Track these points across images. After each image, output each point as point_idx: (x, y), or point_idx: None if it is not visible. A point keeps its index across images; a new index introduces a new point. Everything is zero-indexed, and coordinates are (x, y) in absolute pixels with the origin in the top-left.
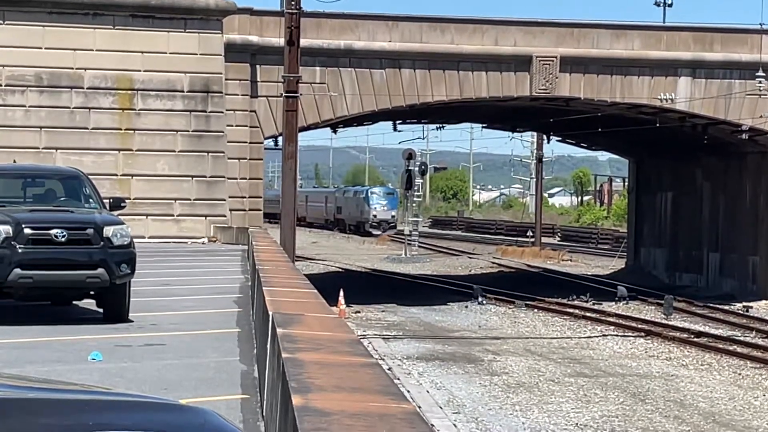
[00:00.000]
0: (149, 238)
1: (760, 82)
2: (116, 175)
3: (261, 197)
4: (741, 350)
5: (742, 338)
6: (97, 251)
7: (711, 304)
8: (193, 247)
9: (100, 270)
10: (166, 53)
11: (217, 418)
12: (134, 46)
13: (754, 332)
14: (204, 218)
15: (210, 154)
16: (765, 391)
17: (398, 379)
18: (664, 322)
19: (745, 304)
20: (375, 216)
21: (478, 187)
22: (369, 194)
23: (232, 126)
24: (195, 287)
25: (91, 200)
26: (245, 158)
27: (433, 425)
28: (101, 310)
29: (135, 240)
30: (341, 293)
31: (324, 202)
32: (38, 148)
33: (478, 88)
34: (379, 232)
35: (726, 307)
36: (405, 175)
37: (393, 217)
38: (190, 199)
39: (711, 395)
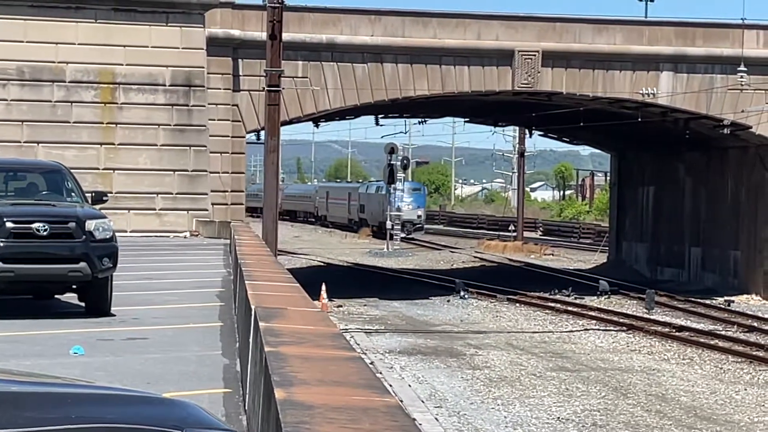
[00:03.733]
0: (131, 232)
1: (741, 77)
2: (98, 168)
3: (243, 191)
4: (722, 344)
5: (723, 332)
6: (79, 245)
7: (692, 299)
8: (175, 241)
9: (82, 264)
10: (148, 47)
11: (199, 411)
12: (116, 40)
13: (736, 326)
14: (186, 212)
15: (192, 148)
16: (746, 386)
17: (380, 373)
18: (645, 316)
19: (726, 298)
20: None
21: (460, 181)
22: (392, 190)
23: (214, 120)
24: (177, 281)
25: (73, 194)
26: (227, 152)
27: (415, 419)
28: (83, 304)
29: (117, 234)
30: (323, 287)
31: (347, 199)
32: (20, 142)
33: (460, 82)
34: (402, 235)
35: (707, 302)
36: (387, 169)
37: (419, 216)
38: (172, 193)
39: (692, 389)
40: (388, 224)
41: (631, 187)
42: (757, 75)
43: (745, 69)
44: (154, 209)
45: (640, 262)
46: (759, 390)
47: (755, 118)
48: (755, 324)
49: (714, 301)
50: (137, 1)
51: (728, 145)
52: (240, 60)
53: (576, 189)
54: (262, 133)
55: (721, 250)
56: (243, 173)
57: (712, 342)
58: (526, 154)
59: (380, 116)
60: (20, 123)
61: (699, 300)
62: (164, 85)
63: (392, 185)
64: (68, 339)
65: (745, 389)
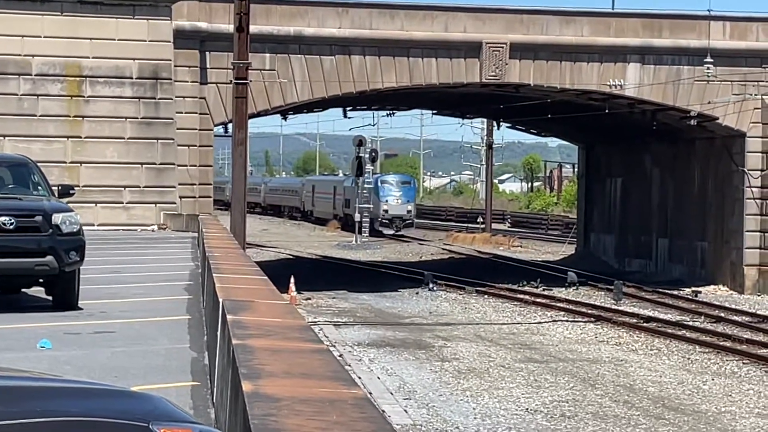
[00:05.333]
0: (98, 225)
1: (708, 68)
2: (65, 162)
3: (211, 184)
4: (690, 335)
5: (690, 323)
6: (46, 239)
7: (660, 290)
8: (143, 235)
9: (49, 257)
10: (114, 40)
11: (166, 405)
12: (83, 33)
13: (703, 317)
14: (154, 205)
15: (159, 141)
16: (713, 376)
17: (349, 365)
18: (613, 307)
19: (693, 289)
20: (386, 211)
21: (429, 173)
22: (379, 183)
23: (181, 113)
24: (145, 275)
25: (39, 187)
26: (195, 145)
27: (384, 411)
28: (50, 298)
29: (84, 228)
30: (292, 280)
31: (332, 193)
32: None
33: (428, 74)
34: (390, 232)
35: (675, 293)
36: (355, 162)
37: (409, 212)
38: (139, 187)
39: (660, 380)
40: (357, 217)
41: (599, 179)
42: (723, 66)
43: (712, 60)
44: (122, 203)
45: (608, 254)
46: (726, 380)
47: (722, 110)
48: (722, 314)
49: (681, 292)
50: None
51: (695, 136)
52: (207, 52)
53: (544, 181)
54: (230, 125)
55: (688, 241)
56: (211, 166)
57: (679, 332)
58: (494, 146)
59: (348, 108)
60: None
61: (666, 291)
62: (131, 78)
63: (360, 177)
64: (35, 333)
65: (713, 379)
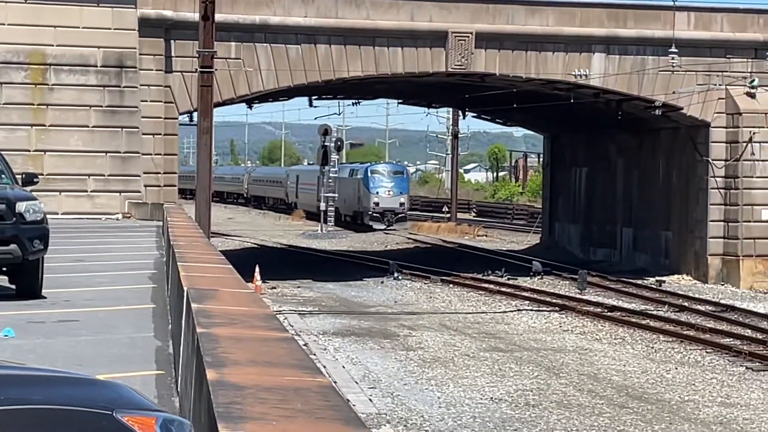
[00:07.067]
0: (63, 214)
1: (672, 59)
2: (29, 150)
3: (176, 173)
4: (654, 324)
5: (654, 312)
6: (10, 227)
7: (624, 279)
8: (108, 224)
9: (13, 246)
10: (79, 28)
11: (130, 393)
12: (47, 20)
13: (667, 306)
14: (118, 194)
15: (124, 129)
16: (677, 365)
17: (314, 354)
18: (578, 296)
19: (657, 278)
20: (377, 204)
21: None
22: (368, 174)
23: (146, 101)
24: (109, 263)
25: (3, 176)
26: (160, 134)
27: (348, 400)
28: (14, 287)
29: (48, 216)
30: (257, 269)
31: (317, 184)
32: None
33: (393, 63)
34: (381, 227)
35: (639, 282)
36: (321, 151)
37: (402, 204)
38: (104, 175)
39: (624, 369)
40: (322, 206)
41: (564, 169)
42: (687, 56)
43: (676, 50)
44: (86, 191)
45: (573, 243)
46: (689, 369)
47: (686, 100)
48: (686, 304)
49: (645, 282)
50: None
51: (660, 126)
52: (172, 41)
53: (509, 170)
54: (195, 114)
55: (652, 231)
56: (176, 155)
57: (643, 322)
58: (459, 135)
59: (314, 98)
60: None
61: (631, 280)
62: (96, 66)
63: (326, 166)
64: None
65: (676, 368)
